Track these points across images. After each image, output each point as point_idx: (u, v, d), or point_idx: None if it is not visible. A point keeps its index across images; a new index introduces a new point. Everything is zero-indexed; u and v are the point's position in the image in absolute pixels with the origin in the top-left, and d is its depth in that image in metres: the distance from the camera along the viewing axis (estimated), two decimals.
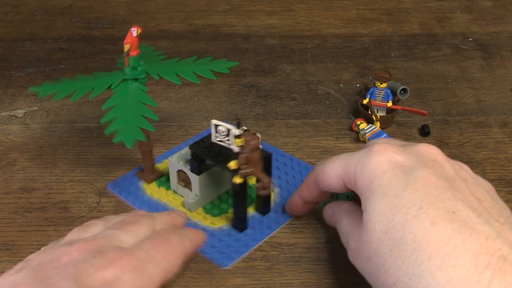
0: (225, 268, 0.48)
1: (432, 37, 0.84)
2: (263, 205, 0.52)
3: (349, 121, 0.66)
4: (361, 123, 0.63)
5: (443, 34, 0.85)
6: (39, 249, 0.49)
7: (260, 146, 0.47)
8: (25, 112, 0.68)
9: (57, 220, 0.53)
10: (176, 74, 0.51)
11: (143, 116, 0.47)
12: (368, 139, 0.61)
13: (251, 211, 0.53)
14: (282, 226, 0.52)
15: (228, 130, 0.47)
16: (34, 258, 0.38)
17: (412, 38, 0.84)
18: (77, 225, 0.52)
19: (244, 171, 0.47)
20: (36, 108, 0.68)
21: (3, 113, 0.68)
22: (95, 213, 0.53)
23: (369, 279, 0.40)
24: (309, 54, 0.80)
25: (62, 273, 0.35)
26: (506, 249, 0.34)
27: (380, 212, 0.38)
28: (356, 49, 0.81)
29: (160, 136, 0.63)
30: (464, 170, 0.42)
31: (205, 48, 0.81)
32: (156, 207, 0.53)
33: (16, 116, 0.67)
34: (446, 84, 0.73)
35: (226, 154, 0.49)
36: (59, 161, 0.60)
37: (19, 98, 0.70)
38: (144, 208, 0.53)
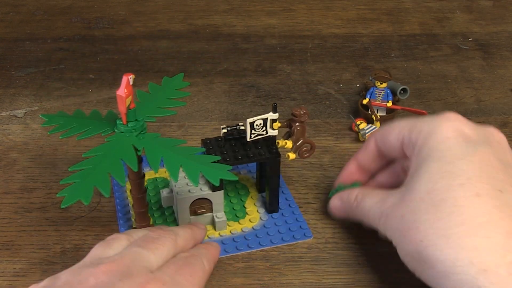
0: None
1: (432, 37, 0.84)
2: (272, 204, 0.52)
3: (349, 121, 0.66)
4: (361, 123, 0.63)
5: (443, 34, 0.85)
6: (39, 249, 0.50)
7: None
8: (25, 112, 0.68)
9: (57, 220, 0.53)
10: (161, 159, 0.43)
11: (109, 174, 0.41)
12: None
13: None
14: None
15: (264, 119, 0.48)
16: (61, 277, 0.38)
17: (412, 38, 0.84)
18: (77, 225, 0.52)
19: (299, 143, 0.50)
20: (36, 108, 0.68)
21: (3, 113, 0.68)
22: (95, 213, 0.53)
23: (396, 236, 0.41)
24: (309, 54, 0.80)
25: None
26: None
27: (430, 174, 0.40)
28: (356, 49, 0.81)
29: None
30: None
31: (205, 48, 0.81)
32: None
33: (16, 116, 0.67)
34: (446, 84, 0.73)
35: (245, 148, 0.50)
36: (59, 161, 0.60)
37: (19, 98, 0.70)
38: None
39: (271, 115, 0.48)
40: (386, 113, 0.64)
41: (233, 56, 0.79)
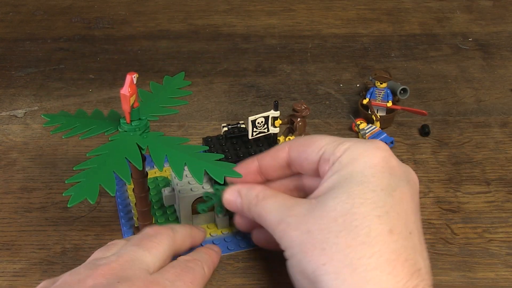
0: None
1: (432, 37, 0.84)
2: None
3: (349, 121, 0.66)
4: (361, 123, 0.63)
5: (443, 34, 0.85)
6: (39, 249, 0.50)
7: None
8: (25, 112, 0.68)
9: (57, 220, 0.53)
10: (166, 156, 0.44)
11: (114, 173, 0.41)
12: (368, 139, 0.61)
13: None
14: None
15: (266, 117, 0.49)
16: (60, 278, 0.39)
17: (412, 38, 0.84)
18: (77, 225, 0.52)
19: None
20: (36, 108, 0.68)
21: (3, 113, 0.68)
22: (95, 213, 0.53)
23: (294, 250, 0.39)
24: (309, 54, 0.80)
25: None
26: (428, 282, 0.37)
27: (350, 196, 0.38)
28: (356, 49, 0.81)
29: None
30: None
31: (205, 48, 0.81)
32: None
33: (16, 116, 0.67)
34: (446, 84, 0.73)
35: (246, 146, 0.50)
36: (59, 161, 0.60)
37: (19, 98, 0.70)
38: None
39: (272, 113, 0.48)
40: (386, 113, 0.64)
41: (233, 56, 0.79)
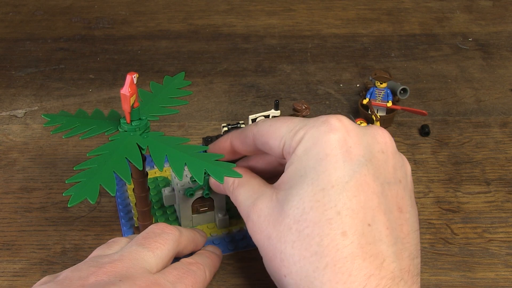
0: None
1: (432, 37, 0.84)
2: None
3: None
4: (361, 123, 0.63)
5: (443, 34, 0.85)
6: (39, 249, 0.50)
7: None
8: (25, 112, 0.68)
9: (57, 220, 0.53)
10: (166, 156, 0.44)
11: (115, 173, 0.41)
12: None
13: None
14: None
15: (266, 117, 0.49)
16: (61, 274, 0.39)
17: (412, 38, 0.84)
18: (77, 225, 0.52)
19: None
20: (36, 108, 0.68)
21: (3, 113, 0.68)
22: (95, 213, 0.53)
23: (264, 259, 0.39)
24: (309, 54, 0.80)
25: None
26: (397, 273, 0.35)
27: (300, 199, 0.37)
28: (356, 49, 0.81)
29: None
30: (403, 167, 0.41)
31: (205, 48, 0.81)
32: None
33: (16, 116, 0.67)
34: (446, 84, 0.73)
35: None
36: (59, 161, 0.60)
37: (19, 98, 0.70)
38: None
39: (273, 112, 0.48)
40: (386, 113, 0.64)
41: (233, 56, 0.79)
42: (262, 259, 0.49)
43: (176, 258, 0.44)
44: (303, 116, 0.50)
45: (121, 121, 0.44)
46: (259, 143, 0.43)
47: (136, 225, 0.51)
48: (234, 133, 0.46)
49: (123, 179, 0.40)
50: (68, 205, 0.39)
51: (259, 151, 0.45)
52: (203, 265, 0.43)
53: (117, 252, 0.40)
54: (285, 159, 0.41)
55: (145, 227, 0.48)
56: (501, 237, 0.51)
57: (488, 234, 0.52)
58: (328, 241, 0.35)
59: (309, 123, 0.40)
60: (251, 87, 0.73)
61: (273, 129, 0.42)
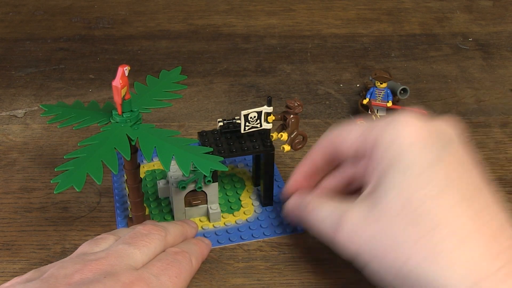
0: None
1: (432, 37, 0.84)
2: (268, 198, 0.53)
3: (349, 121, 0.66)
4: (361, 123, 0.63)
5: (443, 34, 0.85)
6: (39, 249, 0.50)
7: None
8: (25, 112, 0.68)
9: (57, 220, 0.53)
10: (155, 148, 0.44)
11: (102, 162, 0.41)
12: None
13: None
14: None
15: (259, 112, 0.48)
16: (46, 270, 0.39)
17: (412, 38, 0.84)
18: (77, 225, 0.52)
19: (293, 135, 0.50)
20: (36, 108, 0.68)
21: (3, 113, 0.68)
22: (95, 213, 0.53)
23: (375, 257, 0.38)
24: (309, 54, 0.80)
25: None
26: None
27: (401, 186, 0.37)
28: (356, 49, 0.81)
29: None
30: (471, 155, 0.41)
31: (205, 48, 0.81)
32: None
33: (16, 116, 0.67)
34: (446, 84, 0.73)
35: (239, 141, 0.50)
36: (59, 161, 0.60)
37: (19, 98, 0.70)
38: None
39: (265, 108, 0.48)
40: (386, 113, 0.64)
41: (233, 56, 0.79)
42: (261, 259, 0.49)
43: None
44: (295, 114, 0.50)
45: (113, 112, 0.45)
46: (335, 147, 0.45)
47: (130, 216, 0.51)
48: (300, 164, 0.48)
49: (110, 168, 0.41)
50: (54, 192, 0.39)
51: (331, 165, 0.47)
52: (189, 254, 0.43)
53: (103, 250, 0.41)
54: (357, 158, 0.43)
55: (138, 217, 0.49)
56: None
57: None
58: (441, 215, 0.35)
59: (379, 123, 0.41)
60: (251, 87, 0.73)
61: (348, 131, 0.44)
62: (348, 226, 0.40)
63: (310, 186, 0.48)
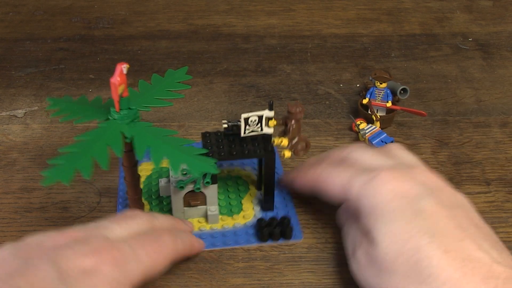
0: (297, 241, 0.50)
1: (432, 37, 0.84)
2: (264, 201, 0.53)
3: (349, 121, 0.66)
4: (361, 123, 0.63)
5: (443, 34, 0.85)
6: None
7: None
8: (25, 112, 0.68)
9: (57, 220, 0.53)
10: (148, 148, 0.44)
11: (92, 158, 0.42)
12: (368, 139, 0.61)
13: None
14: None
15: (260, 116, 0.48)
16: (25, 239, 0.40)
17: (412, 38, 0.84)
18: (77, 225, 0.52)
19: (294, 142, 0.50)
20: (36, 108, 0.68)
21: (3, 113, 0.68)
22: (95, 213, 0.53)
23: None
24: (309, 54, 0.80)
25: (43, 256, 0.36)
26: (509, 271, 0.37)
27: (394, 234, 0.40)
28: (356, 49, 0.81)
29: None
30: (455, 195, 0.44)
31: (205, 48, 0.81)
32: None
33: (16, 116, 0.67)
34: (446, 84, 0.73)
35: (241, 144, 0.50)
36: None
37: (19, 98, 0.70)
38: None
39: (267, 113, 0.48)
40: (386, 113, 0.64)
41: (233, 56, 0.79)
42: (261, 259, 0.49)
43: None
44: (297, 120, 0.49)
45: (111, 109, 0.45)
46: (320, 194, 0.48)
47: None
48: (295, 175, 0.52)
49: (99, 164, 0.41)
50: (41, 184, 0.39)
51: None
52: (174, 235, 0.44)
53: (85, 224, 0.42)
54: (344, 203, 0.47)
55: (134, 200, 0.50)
56: (501, 237, 0.51)
57: None
58: (437, 261, 0.38)
59: (363, 177, 0.44)
60: (251, 87, 0.73)
61: (332, 181, 0.46)
62: (358, 259, 0.43)
63: None
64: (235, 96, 0.71)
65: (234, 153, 0.49)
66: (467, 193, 0.56)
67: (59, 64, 0.77)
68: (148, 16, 0.89)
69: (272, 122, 0.49)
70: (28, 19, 0.89)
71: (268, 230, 0.50)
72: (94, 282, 0.36)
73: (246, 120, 0.48)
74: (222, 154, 0.49)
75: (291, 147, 0.51)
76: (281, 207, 0.53)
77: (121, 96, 0.43)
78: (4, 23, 0.88)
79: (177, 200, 0.51)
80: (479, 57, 0.79)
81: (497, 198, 0.55)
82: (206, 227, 0.51)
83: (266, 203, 0.53)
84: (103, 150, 0.42)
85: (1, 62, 0.78)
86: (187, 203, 0.51)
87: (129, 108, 0.45)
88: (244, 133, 0.49)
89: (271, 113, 0.48)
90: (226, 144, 0.50)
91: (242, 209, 0.53)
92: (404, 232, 0.40)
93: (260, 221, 0.51)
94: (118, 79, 0.42)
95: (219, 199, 0.53)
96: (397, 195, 0.42)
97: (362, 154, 0.48)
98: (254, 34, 0.85)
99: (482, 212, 0.53)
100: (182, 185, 0.49)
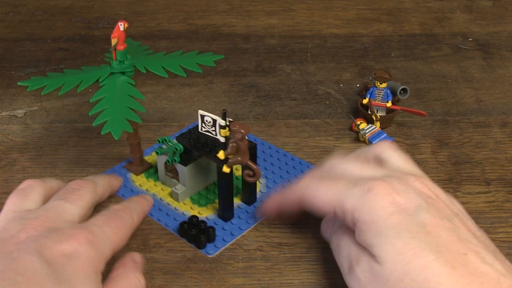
0: (211, 256, 0.48)
1: (432, 37, 0.84)
2: (249, 195, 0.53)
3: (349, 121, 0.66)
4: (361, 123, 0.63)
5: (443, 34, 0.85)
6: None
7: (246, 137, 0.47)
8: (25, 112, 0.68)
9: None
10: (162, 67, 0.51)
11: (131, 108, 0.48)
12: (368, 139, 0.61)
13: (237, 201, 0.53)
14: (280, 226, 0.52)
15: (214, 120, 0.48)
16: None
17: (412, 38, 0.84)
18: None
19: (232, 160, 0.47)
20: (36, 108, 0.68)
21: (3, 113, 0.68)
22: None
23: None
24: (309, 54, 0.80)
25: (24, 248, 0.38)
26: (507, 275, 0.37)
27: (398, 252, 0.38)
28: (356, 49, 0.81)
29: (161, 136, 0.63)
30: (453, 202, 0.43)
31: (205, 48, 0.81)
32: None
33: (16, 116, 0.67)
34: (446, 84, 0.73)
35: (212, 144, 0.50)
36: (59, 161, 0.60)
37: (19, 98, 0.70)
38: None
39: (219, 120, 0.48)
40: (386, 113, 0.64)
41: (233, 56, 0.79)
42: (261, 259, 0.49)
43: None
44: (235, 143, 0.46)
45: (112, 62, 0.51)
46: (309, 208, 0.46)
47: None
48: (279, 197, 0.50)
49: (137, 109, 0.48)
50: (102, 132, 0.46)
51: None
52: (130, 210, 0.47)
53: (41, 208, 0.43)
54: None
55: (135, 158, 0.56)
56: (501, 237, 0.51)
57: (488, 234, 0.51)
58: (445, 279, 0.36)
59: (355, 191, 0.42)
60: (251, 87, 0.73)
61: (319, 195, 0.45)
62: (358, 277, 0.41)
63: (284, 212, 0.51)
64: (235, 96, 0.71)
65: (198, 145, 0.50)
66: (467, 193, 0.56)
67: (59, 64, 0.77)
68: (148, 16, 0.89)
69: (224, 132, 0.48)
70: (28, 19, 0.89)
71: (189, 231, 0.49)
72: (76, 263, 0.39)
73: (202, 117, 0.49)
74: (191, 141, 0.51)
75: (229, 164, 0.47)
76: (264, 200, 0.53)
77: (115, 48, 0.49)
78: (4, 23, 0.88)
79: (160, 166, 0.54)
80: (479, 57, 0.79)
81: (497, 198, 0.55)
82: (173, 204, 0.53)
83: (224, 212, 0.51)
84: (129, 99, 0.48)
85: (1, 62, 0.78)
86: (168, 171, 0.54)
87: (122, 62, 0.50)
88: (201, 129, 0.50)
89: (222, 122, 0.48)
90: (202, 138, 0.51)
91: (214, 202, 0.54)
92: (408, 249, 0.38)
93: (190, 219, 0.51)
94: (116, 34, 0.50)
95: (200, 193, 0.54)
96: (396, 209, 0.40)
97: (347, 165, 0.46)
98: (254, 34, 0.85)
99: (482, 212, 0.54)
100: (160, 152, 0.52)
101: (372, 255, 0.40)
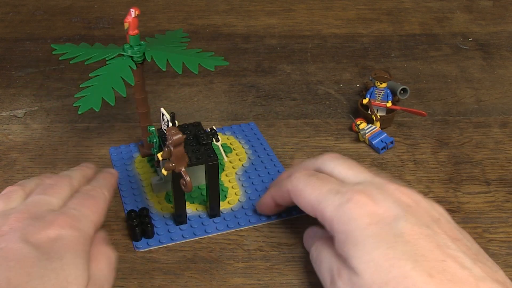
0: (138, 251, 0.50)
1: (432, 37, 0.84)
2: (210, 208, 0.52)
3: (349, 121, 0.66)
4: (361, 123, 0.63)
5: (443, 34, 0.85)
6: None
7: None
8: (25, 112, 0.68)
9: None
10: (167, 60, 0.53)
11: (113, 89, 0.50)
12: (368, 139, 0.61)
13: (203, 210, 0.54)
14: (280, 226, 0.52)
15: (168, 120, 0.50)
16: None
17: (412, 38, 0.84)
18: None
19: (167, 164, 0.46)
20: (36, 108, 0.68)
21: (3, 113, 0.68)
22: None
23: None
24: (309, 54, 0.80)
25: (10, 237, 0.39)
26: (495, 285, 0.36)
27: (376, 263, 0.38)
28: (356, 49, 0.81)
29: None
30: (434, 208, 0.43)
31: (205, 48, 0.81)
32: (129, 181, 0.57)
33: (16, 116, 0.67)
34: (446, 84, 0.73)
35: (199, 144, 0.50)
36: (59, 161, 0.60)
37: (19, 98, 0.70)
38: (121, 181, 0.57)
39: (169, 122, 0.50)
40: (386, 113, 0.64)
41: (233, 56, 0.79)
42: (261, 259, 0.49)
43: None
44: (167, 148, 0.45)
45: (124, 45, 0.53)
46: (296, 203, 0.47)
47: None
48: (272, 191, 0.51)
49: (118, 92, 0.49)
50: (79, 112, 0.47)
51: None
52: (100, 188, 0.48)
53: (21, 204, 0.44)
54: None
55: (145, 129, 0.57)
56: (501, 237, 0.51)
57: (488, 234, 0.52)
58: (423, 287, 0.37)
59: (335, 199, 0.43)
60: (251, 87, 0.73)
61: (304, 196, 0.45)
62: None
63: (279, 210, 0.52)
64: (235, 96, 0.71)
65: (165, 141, 0.49)
66: (467, 193, 0.56)
67: (59, 64, 0.77)
68: (148, 16, 0.89)
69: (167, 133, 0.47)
70: (28, 19, 0.89)
71: (130, 220, 0.50)
72: (62, 244, 0.40)
73: (162, 115, 0.51)
74: (164, 136, 0.51)
75: (167, 167, 0.46)
76: (237, 214, 0.53)
77: (127, 33, 0.51)
78: (4, 23, 0.88)
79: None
80: (479, 57, 0.79)
81: (497, 198, 0.55)
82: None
83: (175, 215, 0.52)
84: (119, 81, 0.50)
85: (1, 62, 0.78)
86: (154, 163, 0.55)
87: (132, 46, 0.52)
88: (162, 126, 0.52)
89: (170, 125, 0.49)
90: (188, 137, 0.51)
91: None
92: (385, 259, 0.38)
93: (140, 210, 0.52)
94: (127, 19, 0.52)
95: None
96: (373, 220, 0.40)
97: (335, 166, 0.47)
98: (254, 34, 0.85)
99: (482, 212, 0.54)
100: (149, 140, 0.53)
101: (351, 269, 0.40)
